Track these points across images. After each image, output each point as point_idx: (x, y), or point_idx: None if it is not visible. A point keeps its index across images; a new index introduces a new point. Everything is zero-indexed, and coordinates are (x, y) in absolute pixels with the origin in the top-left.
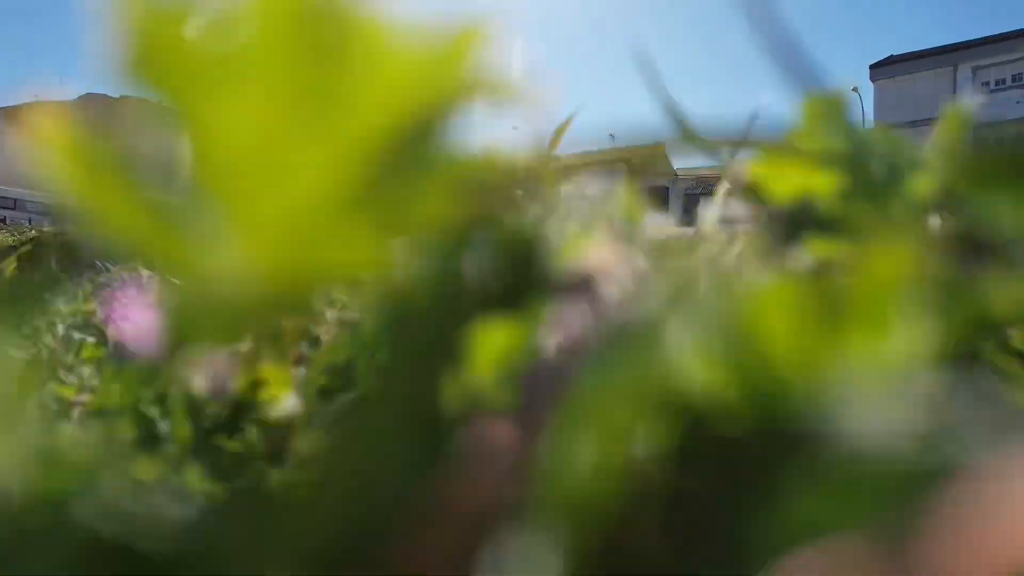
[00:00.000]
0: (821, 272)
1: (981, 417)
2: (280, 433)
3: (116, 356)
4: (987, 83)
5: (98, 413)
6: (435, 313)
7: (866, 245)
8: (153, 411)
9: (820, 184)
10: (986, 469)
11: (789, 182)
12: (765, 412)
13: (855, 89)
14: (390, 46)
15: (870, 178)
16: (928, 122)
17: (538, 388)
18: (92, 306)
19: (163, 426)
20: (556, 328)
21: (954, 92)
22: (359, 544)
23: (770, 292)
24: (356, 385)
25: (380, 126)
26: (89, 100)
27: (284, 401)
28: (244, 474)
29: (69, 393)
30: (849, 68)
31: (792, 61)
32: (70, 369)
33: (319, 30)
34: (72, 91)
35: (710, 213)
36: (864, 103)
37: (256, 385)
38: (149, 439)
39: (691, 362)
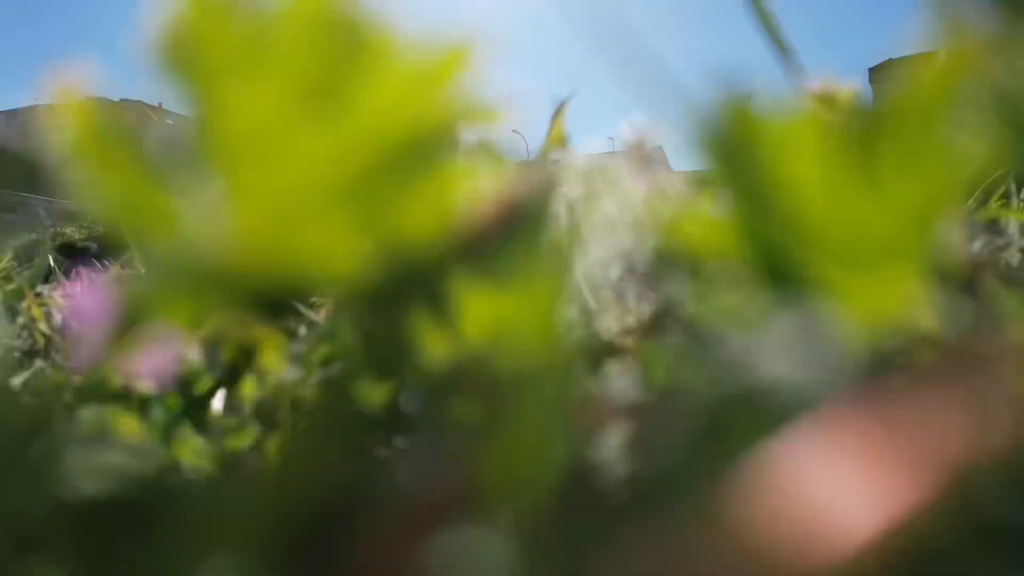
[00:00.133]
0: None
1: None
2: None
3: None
4: None
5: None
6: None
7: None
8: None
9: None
10: None
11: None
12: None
13: None
14: (396, 59)
15: None
16: None
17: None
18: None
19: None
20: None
21: None
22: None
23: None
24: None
25: (379, 131)
26: (127, 104)
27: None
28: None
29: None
30: (848, 72)
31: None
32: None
33: (337, 37)
34: (112, 93)
35: None
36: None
37: (248, 354)
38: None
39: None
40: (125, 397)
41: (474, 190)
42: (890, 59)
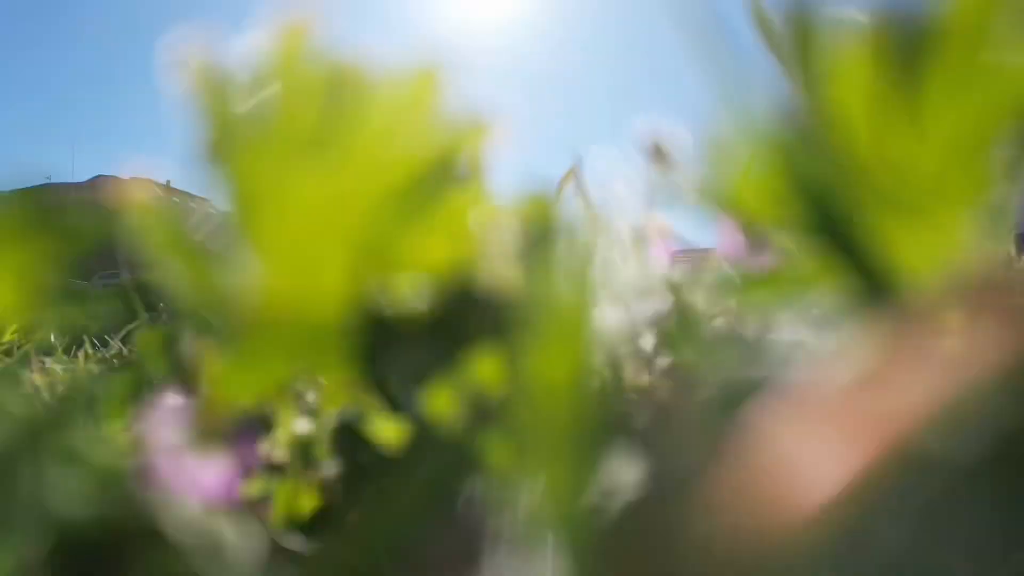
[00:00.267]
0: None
1: None
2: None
3: None
4: None
5: None
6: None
7: None
8: None
9: None
10: None
11: None
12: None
13: None
14: (373, 93)
15: None
16: None
17: None
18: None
19: None
20: None
21: None
22: None
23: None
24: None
25: (373, 167)
26: (171, 190)
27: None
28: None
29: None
30: None
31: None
32: None
33: (317, 85)
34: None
35: None
36: None
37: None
38: None
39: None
40: None
41: (484, 217)
42: None
